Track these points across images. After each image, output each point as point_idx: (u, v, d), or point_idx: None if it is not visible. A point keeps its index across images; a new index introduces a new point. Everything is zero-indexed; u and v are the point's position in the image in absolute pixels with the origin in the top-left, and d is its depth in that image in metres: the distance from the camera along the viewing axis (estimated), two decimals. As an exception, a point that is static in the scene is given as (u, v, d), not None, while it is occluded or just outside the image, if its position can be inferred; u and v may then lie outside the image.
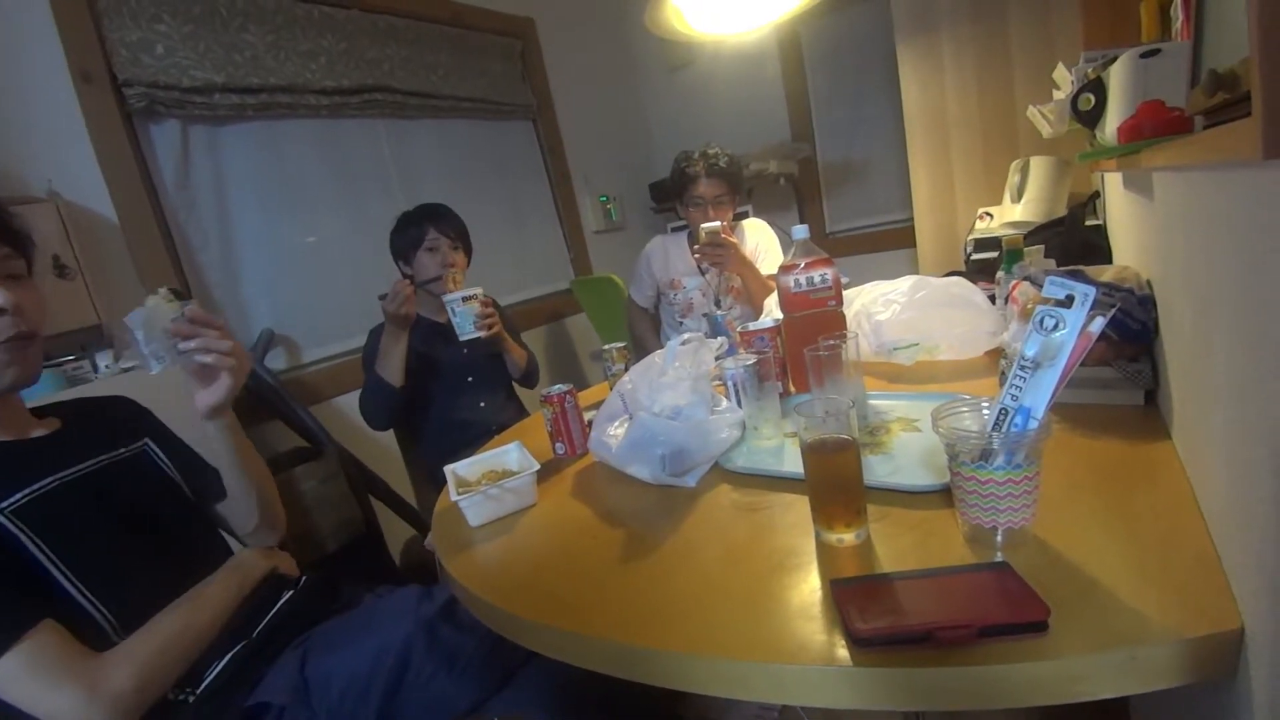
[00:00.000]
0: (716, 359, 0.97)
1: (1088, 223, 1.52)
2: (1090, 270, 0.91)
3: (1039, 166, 1.71)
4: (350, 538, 1.57)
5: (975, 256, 1.65)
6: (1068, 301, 0.54)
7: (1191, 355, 0.60)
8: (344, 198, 2.05)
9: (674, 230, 2.15)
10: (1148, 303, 0.77)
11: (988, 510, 0.56)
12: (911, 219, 2.42)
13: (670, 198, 1.98)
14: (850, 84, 2.77)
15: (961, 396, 0.64)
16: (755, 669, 0.51)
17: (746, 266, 1.75)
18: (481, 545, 0.84)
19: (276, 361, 1.84)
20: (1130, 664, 0.43)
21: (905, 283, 1.19)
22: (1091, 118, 0.92)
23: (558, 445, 1.07)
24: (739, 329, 1.13)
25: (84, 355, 1.33)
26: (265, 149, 1.87)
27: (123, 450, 0.94)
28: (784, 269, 1.03)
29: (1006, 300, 1.07)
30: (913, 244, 2.45)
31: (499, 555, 0.82)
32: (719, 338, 1.02)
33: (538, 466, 0.91)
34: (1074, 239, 1.46)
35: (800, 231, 1.05)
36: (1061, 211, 1.63)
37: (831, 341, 0.87)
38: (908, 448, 0.82)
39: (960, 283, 1.17)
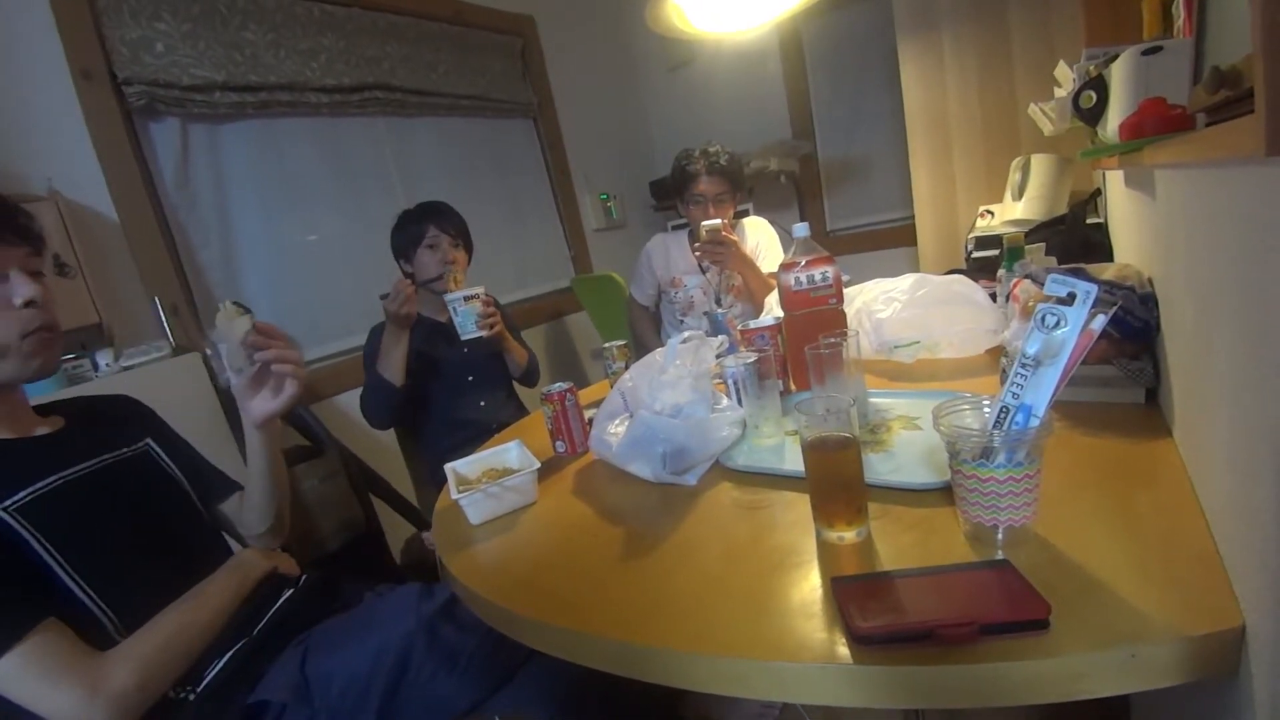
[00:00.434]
0: (717, 357, 0.97)
1: (1089, 220, 1.52)
2: (1092, 268, 0.91)
3: (1040, 164, 1.70)
4: (351, 536, 1.57)
5: (976, 254, 1.65)
6: (1069, 299, 0.54)
7: (1193, 353, 0.60)
8: (344, 196, 2.05)
9: (674, 228, 2.15)
10: (1149, 301, 0.77)
11: (989, 508, 0.56)
12: (912, 217, 2.42)
13: (671, 195, 1.98)
14: (851, 81, 2.77)
15: (962, 394, 0.64)
16: (756, 667, 0.51)
17: (747, 264, 1.75)
18: (482, 543, 0.84)
19: (277, 360, 1.84)
20: (1131, 662, 0.43)
21: (906, 281, 1.20)
22: (1093, 115, 0.92)
23: (558, 443, 1.07)
24: (740, 327, 1.13)
25: (84, 354, 1.33)
26: (265, 147, 1.87)
27: (125, 449, 0.94)
28: (784, 267, 1.03)
29: (1007, 298, 1.07)
30: (913, 242, 2.44)
31: (499, 553, 0.82)
32: (719, 336, 1.02)
33: (538, 465, 0.91)
34: (1075, 237, 1.46)
35: (801, 229, 1.05)
36: (1063, 209, 1.63)
37: (832, 339, 0.87)
38: (908, 446, 0.82)
39: (961, 281, 1.17)
